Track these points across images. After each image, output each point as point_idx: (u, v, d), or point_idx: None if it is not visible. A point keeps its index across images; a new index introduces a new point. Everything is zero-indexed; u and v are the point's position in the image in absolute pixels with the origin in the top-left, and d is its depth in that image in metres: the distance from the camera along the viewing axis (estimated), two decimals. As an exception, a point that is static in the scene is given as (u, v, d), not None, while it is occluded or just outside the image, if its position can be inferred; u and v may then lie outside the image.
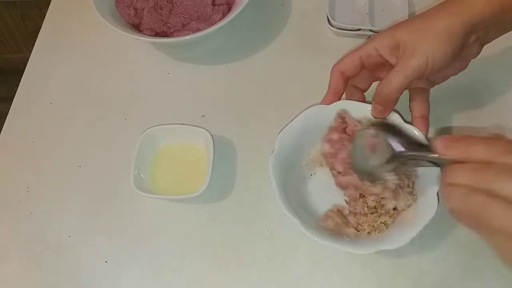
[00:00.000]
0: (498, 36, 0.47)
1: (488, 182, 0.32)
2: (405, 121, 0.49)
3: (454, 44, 0.43)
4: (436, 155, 0.38)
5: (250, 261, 0.50)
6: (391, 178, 0.44)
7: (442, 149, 0.36)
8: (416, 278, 0.48)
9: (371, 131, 0.46)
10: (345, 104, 0.50)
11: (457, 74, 0.49)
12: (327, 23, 0.65)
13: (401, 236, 0.43)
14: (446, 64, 0.45)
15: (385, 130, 0.46)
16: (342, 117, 0.50)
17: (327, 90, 0.50)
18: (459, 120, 0.57)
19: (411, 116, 0.50)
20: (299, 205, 0.48)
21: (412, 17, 0.47)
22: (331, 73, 0.49)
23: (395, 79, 0.45)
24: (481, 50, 0.47)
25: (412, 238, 0.43)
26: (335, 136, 0.49)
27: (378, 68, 0.49)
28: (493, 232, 0.32)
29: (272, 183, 0.47)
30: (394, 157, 0.43)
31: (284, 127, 0.50)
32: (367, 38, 0.63)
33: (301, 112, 0.51)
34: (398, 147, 0.43)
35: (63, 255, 0.52)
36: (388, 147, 0.44)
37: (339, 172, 0.48)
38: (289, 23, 0.67)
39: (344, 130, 0.49)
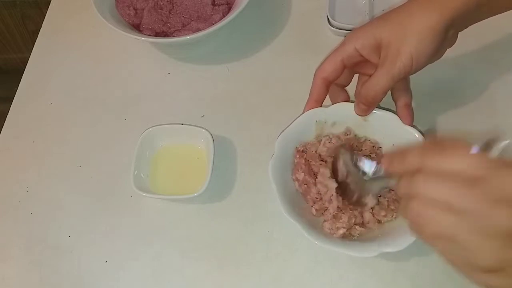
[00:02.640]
0: (472, 24, 0.47)
1: (418, 189, 0.32)
2: (404, 123, 0.49)
3: (437, 41, 0.43)
4: (387, 173, 0.38)
5: (250, 261, 0.50)
6: (370, 202, 0.45)
7: (387, 166, 0.37)
8: (416, 278, 0.48)
9: (344, 156, 0.47)
10: (341, 106, 0.51)
11: (433, 63, 0.48)
12: (327, 23, 0.65)
13: (403, 238, 0.43)
14: (429, 60, 0.45)
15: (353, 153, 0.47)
16: (299, 151, 0.50)
17: (309, 97, 0.50)
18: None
19: (396, 105, 0.50)
20: (300, 208, 0.48)
21: (390, 12, 0.46)
22: (313, 80, 0.49)
23: (382, 81, 0.45)
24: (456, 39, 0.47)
25: (413, 241, 0.43)
26: (300, 176, 0.49)
27: (358, 65, 0.49)
28: (433, 237, 0.32)
29: (273, 187, 0.47)
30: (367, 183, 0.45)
31: (283, 130, 0.50)
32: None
33: (299, 115, 0.51)
34: (368, 167, 0.45)
35: (63, 255, 0.52)
36: (359, 174, 0.46)
37: (312, 206, 0.49)
38: (289, 23, 0.67)
39: (307, 164, 0.50)
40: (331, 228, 0.47)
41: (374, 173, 0.45)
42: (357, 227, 0.47)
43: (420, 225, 0.32)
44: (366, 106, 0.48)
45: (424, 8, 0.43)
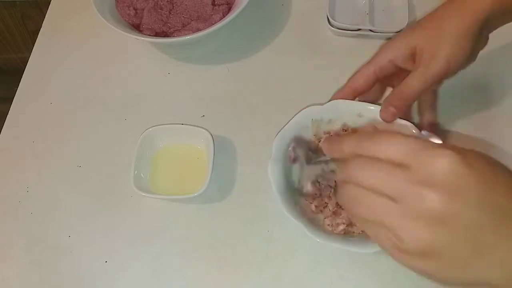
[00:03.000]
0: (503, 25, 0.46)
1: (351, 176, 0.32)
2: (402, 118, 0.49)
3: (472, 44, 0.43)
4: (327, 157, 0.39)
5: (250, 261, 0.50)
6: (308, 188, 0.47)
7: (326, 150, 0.37)
8: (416, 278, 0.48)
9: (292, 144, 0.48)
10: (336, 104, 0.51)
11: (465, 68, 0.47)
12: (327, 23, 0.65)
13: None
14: (464, 63, 0.44)
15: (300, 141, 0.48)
16: (292, 149, 0.51)
17: (335, 95, 0.50)
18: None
19: (420, 120, 0.50)
20: (300, 206, 0.48)
21: (422, 20, 0.46)
22: (342, 88, 0.49)
23: (416, 83, 0.44)
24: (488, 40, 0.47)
25: None
26: None
27: (391, 77, 0.48)
28: (364, 220, 0.32)
29: (273, 187, 0.47)
30: (309, 164, 0.47)
31: (280, 130, 0.50)
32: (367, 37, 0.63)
33: (295, 114, 0.51)
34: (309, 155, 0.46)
35: (63, 255, 0.52)
36: (302, 157, 0.47)
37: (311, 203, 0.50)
38: (289, 23, 0.67)
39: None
40: (332, 225, 0.47)
41: (315, 158, 0.45)
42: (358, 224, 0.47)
43: (352, 208, 0.33)
44: (396, 109, 0.46)
45: (457, 11, 0.43)
